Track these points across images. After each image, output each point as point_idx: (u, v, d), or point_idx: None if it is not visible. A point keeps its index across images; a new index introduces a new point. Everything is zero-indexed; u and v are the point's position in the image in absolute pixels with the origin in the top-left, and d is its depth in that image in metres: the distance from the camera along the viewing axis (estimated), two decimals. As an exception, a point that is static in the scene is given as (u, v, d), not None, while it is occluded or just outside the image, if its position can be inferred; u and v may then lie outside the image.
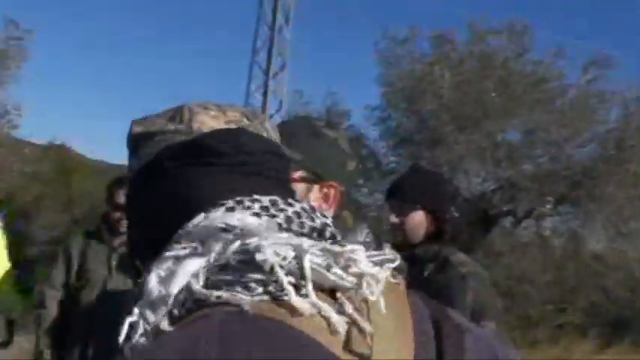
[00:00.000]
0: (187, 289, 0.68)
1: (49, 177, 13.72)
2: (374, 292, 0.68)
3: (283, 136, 1.49)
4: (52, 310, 3.75)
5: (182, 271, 0.69)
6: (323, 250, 0.69)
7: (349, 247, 0.71)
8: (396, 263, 0.76)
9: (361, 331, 0.65)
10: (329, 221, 0.78)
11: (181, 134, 0.83)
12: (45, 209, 13.03)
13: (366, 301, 0.68)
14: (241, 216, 0.72)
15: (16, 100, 11.88)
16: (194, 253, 0.70)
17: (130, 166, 0.89)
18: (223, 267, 0.68)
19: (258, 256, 0.67)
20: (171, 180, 0.81)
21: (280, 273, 0.65)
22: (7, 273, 3.81)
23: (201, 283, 0.68)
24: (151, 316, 0.69)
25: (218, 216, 0.73)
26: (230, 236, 0.70)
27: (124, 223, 3.59)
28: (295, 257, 0.67)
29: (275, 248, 0.68)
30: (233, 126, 0.83)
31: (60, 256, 3.84)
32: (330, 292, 0.68)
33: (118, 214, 3.63)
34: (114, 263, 3.68)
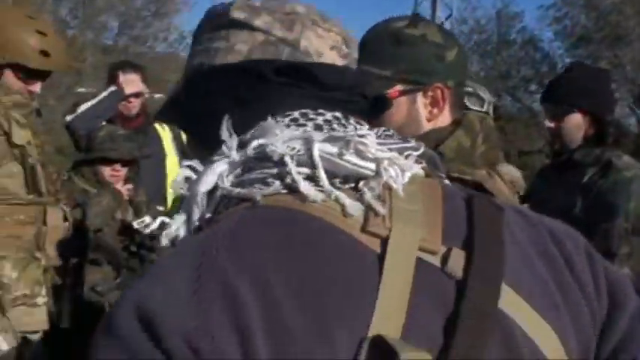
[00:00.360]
0: (218, 189, 0.71)
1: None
2: (394, 178, 0.69)
3: (367, 51, 1.39)
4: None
5: (210, 172, 0.72)
6: (332, 138, 0.70)
7: (358, 132, 0.72)
8: (420, 151, 0.75)
9: (378, 214, 0.66)
10: (367, 131, 0.76)
11: (286, 45, 0.80)
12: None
13: (389, 188, 0.69)
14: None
15: (192, 26, 12.46)
16: (223, 156, 0.72)
17: (199, 52, 0.84)
18: (248, 167, 0.71)
19: (269, 149, 0.69)
20: (262, 93, 0.78)
21: (290, 163, 0.68)
22: None
23: (227, 182, 0.70)
24: (185, 219, 0.73)
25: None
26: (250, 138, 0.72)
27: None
28: (306, 149, 0.69)
29: (287, 143, 0.70)
30: (335, 53, 0.82)
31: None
32: (356, 183, 0.69)
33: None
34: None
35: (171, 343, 0.56)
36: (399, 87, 1.36)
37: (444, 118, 1.39)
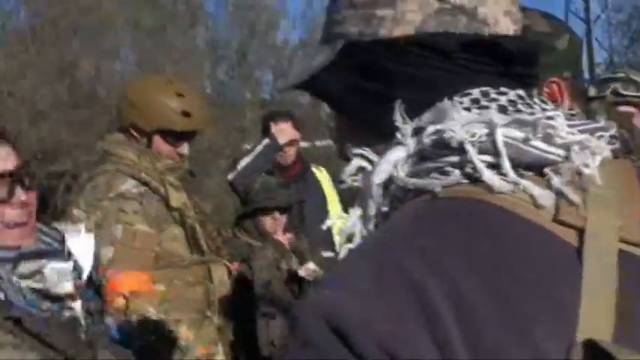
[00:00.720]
0: (393, 180, 0.66)
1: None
2: (586, 162, 0.62)
3: None
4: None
5: (384, 161, 0.66)
6: (517, 121, 0.63)
7: (546, 113, 0.65)
8: (611, 131, 0.66)
9: (571, 203, 0.60)
10: (555, 111, 0.67)
11: (463, 14, 0.70)
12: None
13: (579, 173, 0.62)
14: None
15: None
16: (398, 143, 0.66)
17: (353, 17, 0.73)
18: (423, 155, 0.65)
19: (446, 135, 0.63)
20: (444, 72, 0.69)
21: (471, 150, 0.62)
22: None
23: (402, 173, 0.65)
24: (360, 213, 0.69)
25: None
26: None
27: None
28: (488, 134, 0.62)
29: (466, 127, 0.63)
30: (509, 19, 0.73)
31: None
32: (539, 170, 0.63)
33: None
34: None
35: (367, 350, 0.54)
36: None
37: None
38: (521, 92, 0.69)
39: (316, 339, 0.56)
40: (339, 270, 0.64)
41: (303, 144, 3.96)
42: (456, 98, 0.67)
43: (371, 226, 0.68)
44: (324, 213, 3.93)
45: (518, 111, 0.66)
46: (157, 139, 2.39)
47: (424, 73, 0.68)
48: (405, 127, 0.66)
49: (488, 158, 0.62)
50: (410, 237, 0.59)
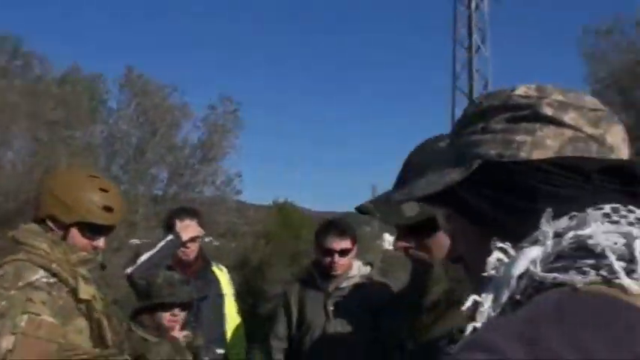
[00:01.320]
0: (527, 273, 0.74)
1: (276, 235, 14.55)
2: None
3: (416, 172, 1.39)
4: (280, 360, 3.84)
5: (523, 257, 0.74)
6: None
7: None
8: None
9: None
10: None
11: (594, 142, 0.82)
12: (275, 265, 13.80)
13: None
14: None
15: (238, 167, 12.85)
16: (534, 242, 0.75)
17: (490, 141, 0.84)
18: (559, 255, 0.74)
19: (590, 242, 0.72)
20: (580, 190, 0.80)
21: (611, 256, 0.71)
22: (238, 327, 4.05)
23: (539, 268, 0.73)
24: (494, 296, 0.75)
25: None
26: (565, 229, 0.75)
27: (336, 267, 3.63)
28: (625, 244, 0.72)
29: (606, 236, 0.73)
30: (625, 145, 0.84)
31: (280, 307, 3.95)
32: None
33: (328, 259, 3.64)
34: (331, 309, 3.69)
35: None
36: None
37: None
38: None
39: None
40: (491, 339, 0.67)
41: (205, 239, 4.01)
42: (590, 211, 0.76)
43: (498, 310, 0.75)
44: (220, 312, 3.96)
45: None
46: (74, 232, 2.40)
47: (565, 190, 0.79)
48: (546, 230, 0.75)
49: (623, 264, 0.70)
50: (557, 320, 0.65)
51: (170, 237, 3.66)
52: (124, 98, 11.68)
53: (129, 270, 3.59)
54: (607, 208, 0.77)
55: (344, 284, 3.70)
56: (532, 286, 0.73)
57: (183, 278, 3.32)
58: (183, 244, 3.73)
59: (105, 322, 2.39)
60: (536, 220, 0.77)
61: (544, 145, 0.81)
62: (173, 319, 3.10)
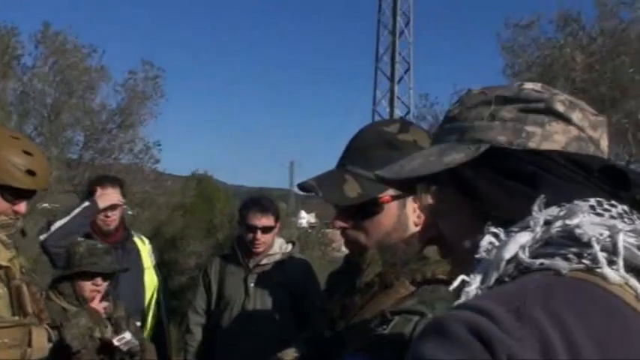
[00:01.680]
0: (515, 258, 0.78)
1: (192, 207, 14.40)
2: None
3: (360, 154, 1.43)
4: (197, 334, 3.85)
5: (513, 242, 0.79)
6: (635, 231, 0.78)
7: None
8: None
9: None
10: None
11: (592, 144, 0.88)
12: (190, 238, 13.67)
13: None
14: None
15: (157, 136, 12.55)
16: (524, 229, 0.80)
17: (499, 128, 0.88)
18: (547, 242, 0.79)
19: (577, 231, 0.77)
20: (578, 184, 0.85)
21: (596, 246, 0.76)
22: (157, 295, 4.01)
23: (527, 254, 0.78)
24: (482, 277, 0.80)
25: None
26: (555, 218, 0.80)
27: (258, 243, 3.66)
28: (609, 235, 0.76)
29: (592, 227, 0.78)
30: (608, 150, 0.92)
31: (200, 281, 3.95)
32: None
33: (250, 235, 3.67)
34: (251, 285, 3.73)
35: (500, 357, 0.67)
36: (390, 191, 1.37)
37: None
38: (625, 207, 0.83)
39: (461, 337, 0.69)
40: (479, 301, 0.75)
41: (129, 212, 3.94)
42: (578, 202, 0.81)
43: (485, 289, 0.80)
44: (139, 283, 3.92)
45: (632, 222, 0.81)
46: None
47: (567, 183, 0.84)
48: (538, 217, 0.80)
49: (605, 255, 0.75)
50: (541, 297, 0.71)
51: (86, 204, 3.58)
52: (39, 55, 11.20)
53: (42, 237, 3.49)
54: (592, 200, 0.82)
55: (264, 261, 3.75)
56: (519, 269, 0.78)
57: (107, 247, 3.26)
58: (103, 212, 3.65)
59: (25, 290, 2.33)
60: (527, 206, 0.81)
61: (552, 138, 0.86)
62: (95, 289, 3.06)
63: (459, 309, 0.74)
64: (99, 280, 3.06)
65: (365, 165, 1.39)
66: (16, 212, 2.37)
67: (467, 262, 0.83)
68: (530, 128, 0.87)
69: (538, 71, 10.71)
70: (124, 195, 3.83)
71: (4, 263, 2.28)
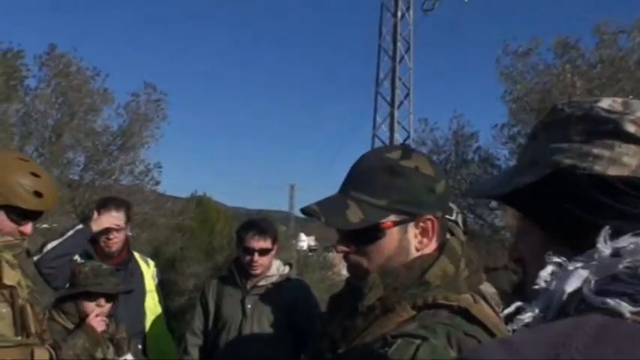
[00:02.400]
0: (579, 291, 0.74)
1: (191, 228, 14.40)
2: None
3: (362, 180, 1.45)
4: (194, 355, 3.84)
5: (577, 274, 0.74)
6: None
7: None
8: None
9: None
10: None
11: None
12: (189, 259, 13.66)
13: None
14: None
15: (157, 158, 12.59)
16: (589, 261, 0.75)
17: (566, 151, 0.84)
18: (615, 277, 0.73)
19: None
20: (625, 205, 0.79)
21: None
22: (159, 318, 4.01)
23: (591, 288, 0.73)
24: (542, 308, 0.76)
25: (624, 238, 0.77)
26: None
27: (256, 266, 3.67)
28: None
29: None
30: None
31: (197, 303, 3.96)
32: None
33: (248, 258, 3.69)
34: (248, 307, 3.74)
35: None
36: (392, 217, 1.40)
37: (430, 246, 1.45)
38: None
39: None
40: (517, 340, 0.70)
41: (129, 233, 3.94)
42: None
43: (542, 320, 0.75)
44: (140, 306, 3.92)
45: None
46: (1, 215, 2.33)
47: (631, 210, 0.78)
48: (604, 249, 0.74)
49: None
50: (588, 341, 0.66)
51: (79, 226, 3.60)
52: (43, 77, 11.29)
53: (35, 258, 3.52)
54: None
55: (262, 282, 3.76)
56: (586, 303, 0.72)
57: (111, 269, 3.29)
58: (104, 234, 3.67)
59: (29, 310, 2.35)
60: (595, 234, 0.76)
61: (621, 162, 0.80)
62: (98, 310, 3.07)
63: (497, 340, 0.72)
64: (102, 301, 3.08)
65: (367, 191, 1.42)
66: (22, 233, 2.39)
67: (530, 289, 0.80)
68: (597, 151, 0.81)
69: (537, 97, 10.79)
70: (129, 218, 3.85)
71: (10, 283, 2.31)
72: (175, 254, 13.55)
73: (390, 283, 1.41)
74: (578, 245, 0.78)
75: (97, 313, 3.07)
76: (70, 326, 3.03)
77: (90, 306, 3.06)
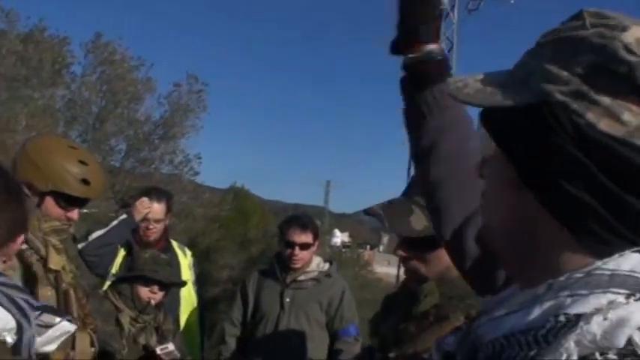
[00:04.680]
0: (630, 340, 0.63)
1: (228, 220, 14.50)
2: None
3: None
4: (231, 345, 3.88)
5: (629, 324, 0.63)
6: None
7: None
8: None
9: None
10: None
11: None
12: (224, 250, 13.75)
13: None
14: None
15: (197, 148, 12.69)
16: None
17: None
18: None
19: None
20: None
21: None
22: (194, 308, 4.04)
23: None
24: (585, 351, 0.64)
25: None
26: None
27: (296, 259, 3.68)
28: None
29: None
30: None
31: (237, 294, 3.99)
32: None
33: (289, 251, 3.71)
34: (287, 300, 3.75)
35: None
36: None
37: None
38: None
39: None
40: None
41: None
42: None
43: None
44: (176, 295, 3.94)
45: None
46: (49, 201, 2.36)
47: (606, 183, 0.65)
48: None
49: None
50: None
51: (123, 216, 3.65)
52: (88, 64, 11.47)
53: (80, 246, 3.59)
54: None
55: (302, 277, 3.77)
56: (632, 352, 0.62)
57: (169, 259, 3.36)
58: (145, 222, 3.72)
59: (72, 294, 2.37)
60: (560, 190, 0.66)
61: (619, 117, 0.65)
62: (151, 296, 3.14)
63: None
64: (155, 288, 3.15)
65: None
66: (68, 219, 2.42)
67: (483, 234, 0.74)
68: (595, 95, 0.66)
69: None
70: (169, 208, 3.88)
71: (55, 267, 2.33)
72: (211, 245, 13.65)
73: (447, 292, 1.39)
74: (539, 190, 0.68)
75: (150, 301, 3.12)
76: (122, 306, 3.09)
77: (144, 291, 3.13)
